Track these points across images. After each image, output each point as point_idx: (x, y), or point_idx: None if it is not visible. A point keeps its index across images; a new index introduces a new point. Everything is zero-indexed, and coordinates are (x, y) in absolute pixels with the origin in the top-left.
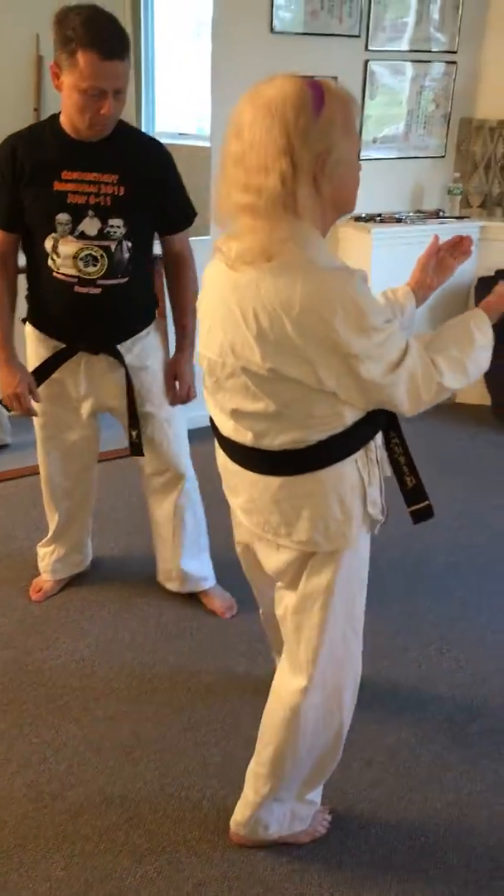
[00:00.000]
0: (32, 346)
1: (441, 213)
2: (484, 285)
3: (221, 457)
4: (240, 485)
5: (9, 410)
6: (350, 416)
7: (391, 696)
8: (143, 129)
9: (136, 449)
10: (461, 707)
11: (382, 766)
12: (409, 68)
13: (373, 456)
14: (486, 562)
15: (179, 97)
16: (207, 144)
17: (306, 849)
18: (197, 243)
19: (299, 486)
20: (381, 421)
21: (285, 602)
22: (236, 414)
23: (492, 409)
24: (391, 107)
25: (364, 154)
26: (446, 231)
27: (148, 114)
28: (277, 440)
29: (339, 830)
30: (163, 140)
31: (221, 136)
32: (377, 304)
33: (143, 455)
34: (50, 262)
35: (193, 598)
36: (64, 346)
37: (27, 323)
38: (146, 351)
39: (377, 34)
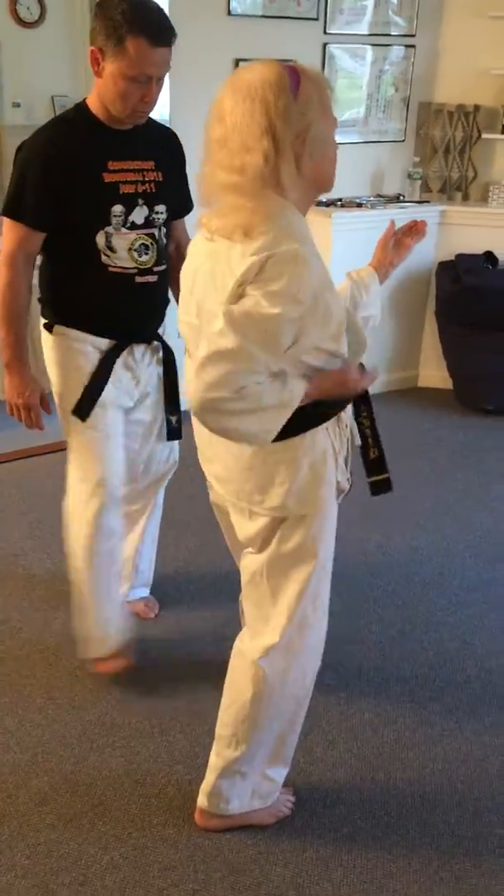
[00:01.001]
0: (69, 350)
1: (401, 198)
2: (444, 269)
3: (197, 425)
4: (214, 453)
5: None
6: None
7: (354, 679)
8: None
9: (176, 434)
10: (423, 687)
11: (346, 746)
12: (368, 52)
13: (343, 425)
14: (448, 544)
15: None
16: None
17: (271, 830)
18: None
19: (272, 454)
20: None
21: (252, 568)
22: None
23: (454, 392)
24: (351, 90)
25: None
26: (407, 215)
27: None
28: None
29: (304, 811)
30: None
31: (182, 119)
32: (305, 285)
33: (181, 438)
34: (104, 257)
35: (158, 585)
36: (111, 343)
37: (57, 326)
38: (167, 334)
39: (335, 17)
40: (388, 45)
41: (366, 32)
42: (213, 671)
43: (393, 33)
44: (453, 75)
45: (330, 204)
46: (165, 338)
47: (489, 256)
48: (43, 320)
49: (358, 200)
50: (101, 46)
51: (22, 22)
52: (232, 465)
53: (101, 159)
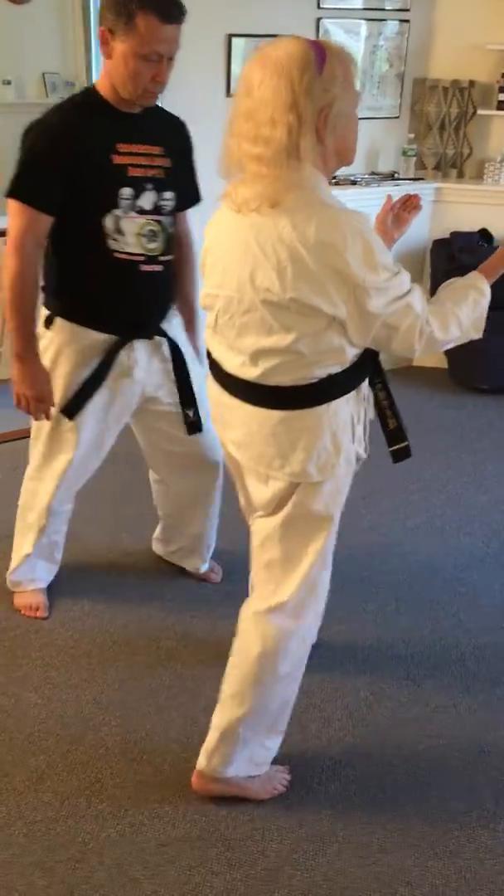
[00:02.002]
0: (66, 345)
1: (396, 175)
2: (439, 247)
3: (215, 390)
4: (235, 419)
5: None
6: (350, 354)
7: (349, 657)
8: (93, 81)
9: (194, 428)
10: (418, 664)
11: (341, 724)
12: (362, 27)
13: (361, 397)
14: (442, 523)
15: None
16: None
17: (267, 807)
18: None
19: (298, 421)
20: (368, 365)
21: (265, 532)
22: (249, 350)
23: (448, 372)
24: None
25: None
26: (402, 192)
27: (98, 66)
28: (284, 376)
29: (300, 788)
30: None
31: (173, 95)
32: (383, 244)
33: (201, 431)
34: (111, 242)
35: (155, 564)
36: (113, 337)
37: (58, 320)
38: (175, 327)
39: None
40: (383, 19)
41: (360, 7)
42: (209, 649)
43: (387, 7)
44: (448, 50)
45: None
46: (172, 332)
47: (484, 234)
48: (44, 312)
49: (352, 178)
50: (110, 27)
51: None
52: (255, 431)
53: (110, 141)
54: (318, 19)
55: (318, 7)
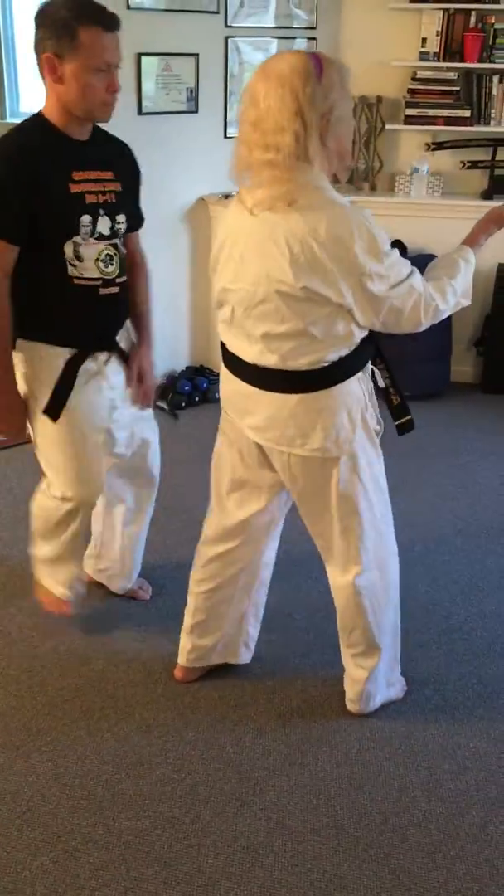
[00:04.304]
0: (36, 362)
1: None
2: None
3: (232, 384)
4: (255, 406)
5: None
6: (358, 337)
7: (281, 666)
8: (7, 111)
9: None
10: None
11: (274, 734)
12: (273, 45)
13: (368, 376)
14: None
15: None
16: None
17: (202, 823)
18: None
19: (315, 402)
20: (371, 347)
21: (320, 512)
22: (266, 337)
23: None
24: None
25: (232, 132)
26: None
27: (11, 95)
28: (300, 359)
29: (234, 800)
30: None
31: None
32: (385, 236)
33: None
34: (70, 269)
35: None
36: (73, 351)
37: (20, 342)
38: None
39: (236, 10)
40: (292, 37)
41: (267, 25)
42: (139, 669)
43: (295, 25)
44: (355, 67)
45: None
46: (127, 348)
47: (398, 245)
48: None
49: None
50: (54, 51)
51: None
52: (275, 414)
53: (66, 170)
54: (228, 38)
55: (227, 26)
